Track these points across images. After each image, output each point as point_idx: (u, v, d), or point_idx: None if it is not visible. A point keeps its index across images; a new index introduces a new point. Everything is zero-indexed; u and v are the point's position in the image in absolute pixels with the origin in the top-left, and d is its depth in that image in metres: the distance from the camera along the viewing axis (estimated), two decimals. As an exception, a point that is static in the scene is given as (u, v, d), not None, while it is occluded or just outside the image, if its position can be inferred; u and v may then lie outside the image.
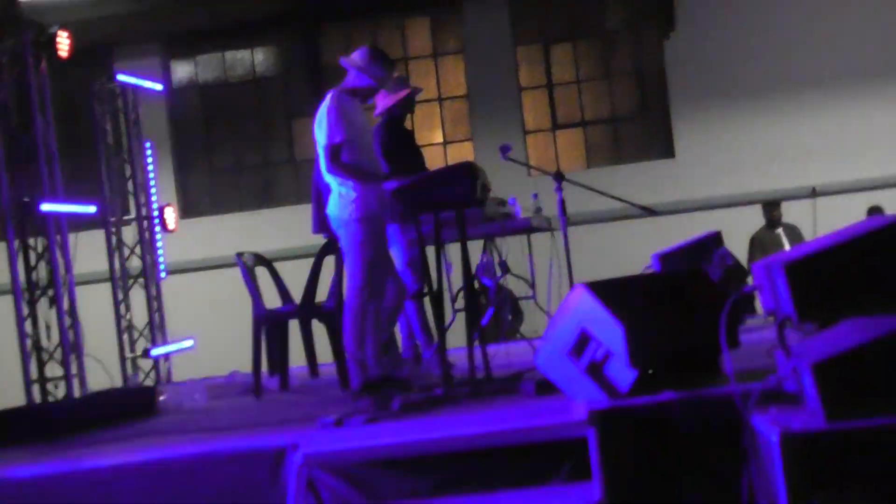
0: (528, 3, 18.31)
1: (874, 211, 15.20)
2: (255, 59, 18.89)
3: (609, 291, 6.35)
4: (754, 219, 15.22)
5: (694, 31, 17.58)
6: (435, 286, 7.85)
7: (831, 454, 4.89)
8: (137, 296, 13.36)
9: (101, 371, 11.64)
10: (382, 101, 9.71)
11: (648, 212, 9.49)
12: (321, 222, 8.62)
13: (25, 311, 10.97)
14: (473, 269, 8.56)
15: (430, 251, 8.06)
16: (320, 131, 7.86)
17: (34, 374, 10.95)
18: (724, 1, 17.63)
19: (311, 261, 9.63)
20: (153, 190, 13.55)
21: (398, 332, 9.56)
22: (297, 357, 10.11)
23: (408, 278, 9.30)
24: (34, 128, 10.99)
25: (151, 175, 13.58)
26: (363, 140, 8.02)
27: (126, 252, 13.35)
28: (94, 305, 12.62)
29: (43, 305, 11.15)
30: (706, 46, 17.60)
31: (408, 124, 10.27)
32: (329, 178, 7.92)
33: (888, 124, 17.23)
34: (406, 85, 9.88)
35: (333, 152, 7.77)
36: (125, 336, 13.01)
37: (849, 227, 5.79)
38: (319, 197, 8.91)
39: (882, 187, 16.60)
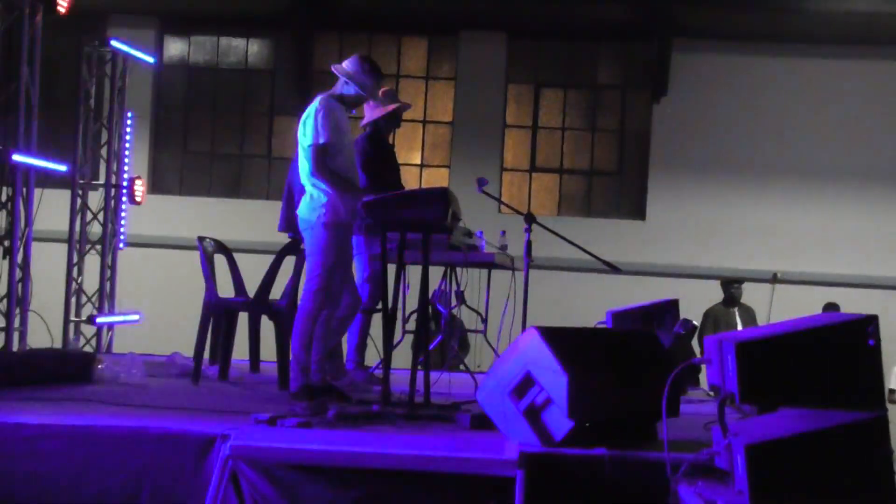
0: (526, 43, 18.39)
1: (830, 308, 15.30)
2: (248, 49, 18.87)
3: (561, 339, 6.38)
4: (711, 293, 15.31)
5: (684, 99, 17.71)
6: (390, 304, 7.86)
7: (751, 536, 4.94)
8: (92, 262, 13.30)
9: (44, 330, 11.59)
10: (370, 113, 9.73)
11: (611, 268, 9.53)
12: (289, 221, 8.64)
13: (-22, 256, 10.94)
14: (430, 294, 8.57)
15: (391, 270, 8.07)
16: (305, 132, 7.87)
17: (-25, 320, 10.92)
18: (717, 77, 17.78)
19: (271, 257, 9.64)
20: (127, 160, 13.50)
21: (345, 342, 9.56)
22: (241, 350, 10.09)
23: (364, 292, 9.33)
24: (19, 78, 10.95)
25: (128, 145, 13.54)
26: (346, 147, 8.04)
27: (89, 217, 13.29)
28: (48, 265, 12.58)
29: (-3, 254, 11.11)
30: (693, 117, 17.74)
31: (389, 140, 10.29)
32: (305, 180, 7.93)
33: (855, 224, 17.40)
34: (396, 100, 9.91)
35: (319, 153, 7.79)
36: (73, 299, 12.94)
37: (804, 318, 5.85)
38: (291, 196, 8.93)
39: (841, 285, 16.75)
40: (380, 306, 8.13)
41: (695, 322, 9.76)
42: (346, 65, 8.14)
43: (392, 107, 9.75)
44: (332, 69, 8.16)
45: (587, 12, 17.75)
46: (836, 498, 4.96)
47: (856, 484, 4.99)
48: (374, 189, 8.73)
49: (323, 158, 7.80)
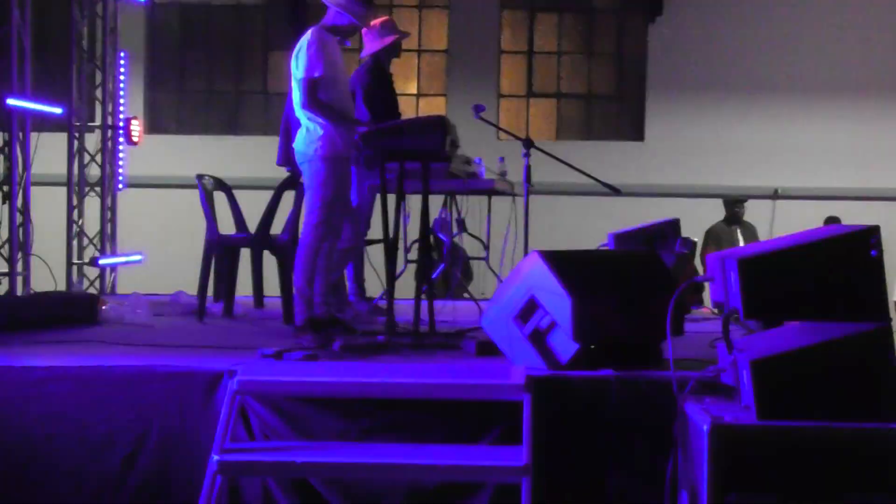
0: (519, -33, 18.30)
1: (831, 221, 15.30)
2: (240, -16, 18.78)
3: (563, 262, 6.39)
4: (712, 211, 15.30)
5: (679, 19, 17.62)
6: (391, 235, 7.86)
7: (759, 450, 4.96)
8: (92, 204, 13.29)
9: (47, 274, 11.59)
10: (369, 45, 9.69)
11: (612, 190, 9.51)
12: (286, 155, 8.62)
13: (-23, 203, 10.93)
14: (431, 223, 8.57)
15: (391, 200, 8.06)
16: (297, 65, 7.83)
17: (-22, 267, 10.93)
18: (713, -5, 17.70)
19: (270, 193, 9.63)
20: (122, 101, 13.46)
21: (346, 275, 9.57)
22: (244, 286, 10.10)
23: (363, 223, 9.33)
24: (10, 22, 10.88)
25: (122, 86, 13.49)
26: (339, 79, 8.00)
27: (86, 159, 13.26)
28: (48, 208, 12.54)
29: (-4, 200, 11.10)
30: (689, 37, 17.66)
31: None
32: (300, 113, 7.90)
33: (854, 138, 17.37)
34: (395, 30, 9.85)
35: (311, 86, 7.75)
36: (75, 242, 12.94)
37: (806, 232, 5.84)
38: (288, 130, 8.90)
39: (842, 198, 16.74)
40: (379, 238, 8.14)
41: (694, 239, 9.76)
42: (337, -6, 8.08)
43: (391, 38, 9.71)
44: (324, 0, 8.10)
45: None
46: (841, 409, 4.98)
47: (861, 394, 5.01)
48: (379, 120, 8.68)
49: (315, 91, 7.76)
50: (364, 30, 9.18)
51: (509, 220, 9.39)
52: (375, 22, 9.64)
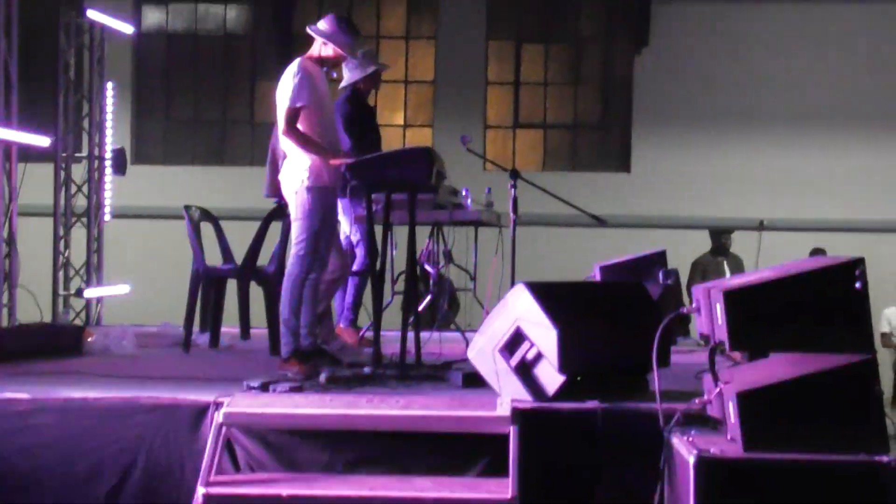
0: (506, -1, 18.37)
1: (817, 253, 15.32)
2: (227, 15, 18.80)
3: (549, 294, 6.39)
4: (699, 243, 15.32)
5: (665, 50, 17.70)
6: (378, 266, 7.87)
7: (745, 482, 4.96)
8: (78, 235, 13.26)
9: (33, 305, 11.55)
10: (348, 75, 9.71)
11: (598, 221, 9.52)
12: (273, 186, 8.61)
13: (-36, 234, 10.91)
14: (418, 254, 8.58)
15: (378, 231, 8.07)
16: (282, 94, 7.85)
17: (-36, 297, 10.90)
18: (698, 25, 17.75)
19: (257, 224, 9.63)
20: (109, 131, 13.45)
21: (334, 306, 9.57)
22: (230, 317, 10.09)
23: (359, 254, 9.35)
24: (-3, 51, 10.90)
25: (109, 116, 13.49)
26: (325, 110, 8.01)
27: (73, 189, 13.25)
28: (34, 239, 12.50)
29: (-18, 231, 11.08)
30: (675, 67, 17.73)
31: (371, 101, 10.27)
32: (285, 144, 7.91)
33: (840, 169, 17.45)
34: (374, 61, 9.88)
35: (292, 115, 7.75)
36: (61, 273, 12.91)
37: (791, 264, 5.86)
38: (275, 161, 8.90)
39: (828, 229, 16.77)
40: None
41: (675, 269, 9.77)
42: (323, 25, 8.09)
43: (370, 69, 9.73)
44: (309, 30, 8.11)
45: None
46: (827, 441, 4.99)
47: (847, 426, 5.02)
48: (358, 151, 8.71)
49: (295, 120, 7.76)
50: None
51: (496, 252, 9.38)
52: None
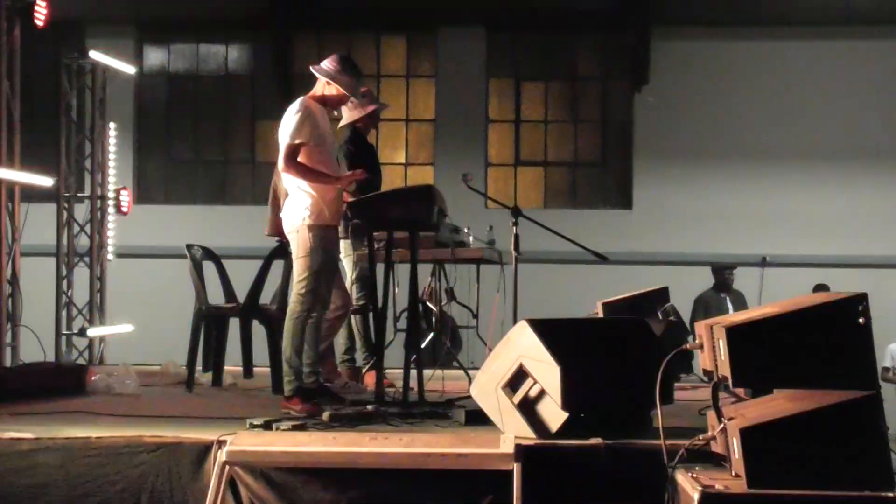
0: (505, 37, 18.40)
1: (820, 289, 15.31)
2: (227, 55, 18.86)
3: (552, 331, 6.40)
4: (701, 279, 15.32)
5: (665, 87, 17.73)
6: (381, 304, 7.88)
7: (749, 518, 4.95)
8: (81, 274, 13.30)
9: (36, 344, 11.56)
10: (347, 114, 9.74)
11: (600, 258, 9.53)
12: (276, 225, 8.63)
13: (-34, 274, 10.93)
14: (420, 292, 8.58)
15: (380, 269, 8.09)
16: (283, 132, 7.87)
17: (-33, 338, 10.91)
18: (697, 63, 17.80)
19: (259, 262, 9.64)
20: (111, 171, 13.50)
21: (337, 343, 9.57)
22: (233, 356, 10.09)
23: (354, 293, 9.35)
24: (-1, 93, 10.95)
25: (112, 156, 13.53)
26: (327, 148, 8.03)
27: (76, 229, 13.28)
28: (37, 279, 12.54)
29: (-15, 271, 11.10)
30: (675, 104, 17.77)
31: (372, 139, 10.29)
32: (288, 182, 7.93)
33: (842, 205, 17.45)
34: (373, 100, 9.90)
35: (291, 150, 7.77)
36: (63, 312, 12.93)
37: (794, 299, 5.86)
38: (276, 200, 8.93)
39: (831, 265, 16.76)
40: (370, 305, 8.15)
41: (673, 305, 9.77)
42: (326, 64, 8.12)
43: (370, 108, 9.75)
44: (312, 70, 8.15)
45: (565, 4, 17.77)
46: (832, 477, 4.98)
47: (851, 462, 5.01)
48: (360, 190, 8.73)
49: (294, 155, 7.79)
50: None
51: (498, 289, 9.39)
52: None
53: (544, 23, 18.08)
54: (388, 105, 10.46)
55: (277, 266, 9.52)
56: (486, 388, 6.56)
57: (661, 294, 10.04)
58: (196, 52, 18.86)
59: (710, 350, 5.61)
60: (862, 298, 5.39)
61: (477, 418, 6.90)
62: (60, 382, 9.14)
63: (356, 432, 6.80)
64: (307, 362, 7.85)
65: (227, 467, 6.11)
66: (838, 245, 17.24)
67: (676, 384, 7.70)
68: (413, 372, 7.95)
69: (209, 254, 10.14)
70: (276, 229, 8.64)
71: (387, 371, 8.13)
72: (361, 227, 8.00)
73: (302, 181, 7.81)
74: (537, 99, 18.50)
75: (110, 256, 13.54)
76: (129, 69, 14.03)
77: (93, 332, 13.01)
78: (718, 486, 5.02)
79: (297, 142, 7.79)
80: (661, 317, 9.42)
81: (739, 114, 17.69)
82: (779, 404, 5.29)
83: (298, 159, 7.80)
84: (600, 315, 9.58)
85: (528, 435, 6.29)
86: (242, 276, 9.87)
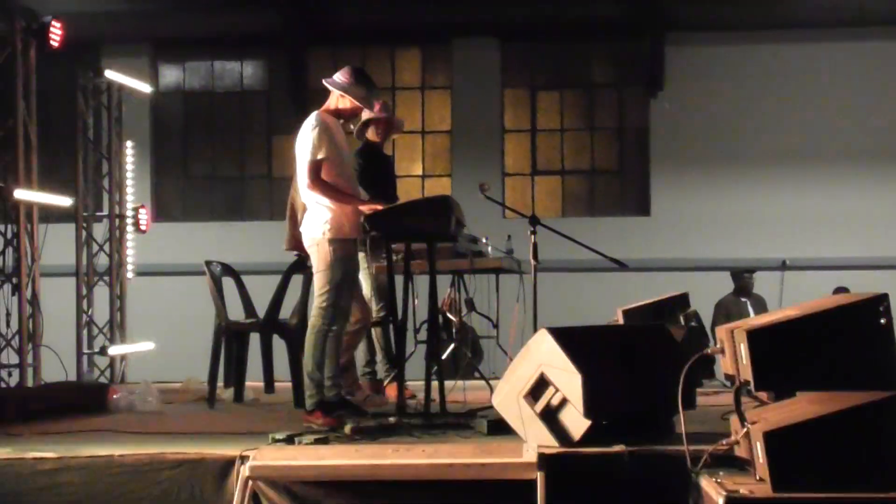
0: (520, 46, 18.42)
1: (840, 291, 15.27)
2: (243, 71, 18.91)
3: (572, 339, 6.38)
4: (721, 284, 15.28)
5: (681, 93, 17.72)
6: (400, 316, 7.87)
7: (775, 522, 4.93)
8: (101, 293, 13.32)
9: (57, 364, 11.59)
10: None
11: (619, 265, 9.51)
12: (294, 240, 8.63)
13: (-12, 295, 10.97)
14: (439, 303, 8.58)
15: (398, 280, 8.09)
16: (301, 148, 7.87)
17: (-11, 359, 10.95)
18: (712, 68, 17.79)
19: (278, 277, 9.65)
20: (129, 189, 13.53)
21: (358, 356, 9.57)
22: (254, 371, 10.10)
23: (373, 305, 9.35)
24: (16, 114, 10.97)
25: (129, 174, 13.57)
26: (344, 161, 8.03)
27: (95, 248, 13.31)
28: (57, 298, 12.57)
29: (6, 292, 11.13)
30: (691, 110, 17.76)
31: (388, 151, 10.29)
32: (306, 197, 7.93)
33: (861, 207, 17.41)
34: (384, 110, 9.85)
35: (315, 167, 7.78)
36: (84, 331, 12.96)
37: (814, 302, 5.84)
38: (294, 215, 8.93)
39: (851, 267, 16.72)
40: (390, 317, 8.15)
41: (696, 310, 9.76)
42: (338, 77, 8.12)
43: (377, 107, 9.66)
44: (325, 83, 8.15)
45: (579, 12, 17.76)
46: (857, 479, 4.95)
47: (877, 463, 4.99)
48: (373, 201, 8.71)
49: (319, 172, 7.79)
50: None
51: (518, 298, 9.37)
52: None
53: (558, 32, 18.09)
54: (401, 120, 10.47)
55: (296, 280, 9.53)
56: (508, 398, 6.55)
57: (682, 300, 10.04)
58: (211, 69, 18.92)
59: (732, 354, 5.60)
60: (883, 299, 5.38)
61: (499, 428, 6.89)
62: (82, 401, 9.16)
63: (378, 444, 6.79)
64: (328, 376, 7.85)
65: (251, 482, 6.11)
66: (858, 246, 17.19)
67: (698, 389, 7.68)
68: (434, 383, 7.94)
69: (228, 270, 10.16)
70: (295, 244, 8.64)
71: (408, 383, 8.11)
72: (379, 239, 7.99)
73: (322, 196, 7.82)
74: (553, 108, 18.50)
75: (130, 274, 13.57)
76: (145, 87, 14.06)
77: (114, 350, 13.04)
78: (743, 491, 5.00)
79: (318, 157, 7.79)
80: (682, 322, 9.41)
81: (755, 117, 17.67)
82: (802, 407, 5.27)
83: (321, 175, 7.81)
84: (620, 322, 9.57)
85: (550, 443, 6.27)
86: (261, 291, 9.88)
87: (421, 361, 8.18)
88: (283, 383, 9.78)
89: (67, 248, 12.75)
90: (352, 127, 8.73)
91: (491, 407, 6.97)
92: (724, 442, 5.63)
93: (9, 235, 11.16)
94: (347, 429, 7.23)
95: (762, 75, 17.69)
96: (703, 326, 10.71)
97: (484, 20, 17.99)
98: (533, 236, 8.92)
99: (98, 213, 13.46)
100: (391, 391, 9.18)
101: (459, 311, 10.28)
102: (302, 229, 8.00)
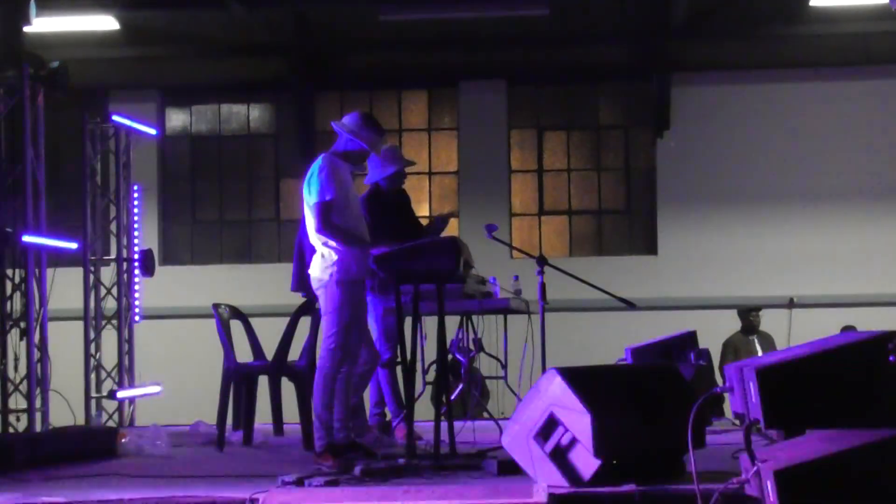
0: (526, 87, 18.46)
1: (848, 330, 15.29)
2: (250, 115, 18.95)
3: (581, 378, 6.39)
4: (729, 322, 15.29)
5: (687, 132, 17.74)
6: (409, 357, 7.88)
7: (786, 561, 4.92)
8: (109, 337, 13.32)
9: (66, 408, 11.59)
10: (372, 173, 9.76)
11: (627, 304, 9.52)
12: (301, 281, 8.65)
13: (-4, 340, 10.97)
14: (448, 344, 8.58)
15: (407, 322, 8.10)
16: (310, 190, 7.89)
17: (-3, 404, 10.94)
18: (718, 108, 17.81)
19: (286, 320, 9.66)
20: (136, 233, 13.55)
21: (367, 398, 9.57)
22: (263, 413, 10.10)
23: (381, 346, 9.36)
24: (24, 160, 11.00)
25: (137, 218, 13.59)
26: (352, 203, 8.06)
27: (102, 292, 13.32)
28: (65, 342, 12.57)
29: (14, 337, 11.13)
30: (698, 149, 17.77)
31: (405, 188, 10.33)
32: (314, 238, 7.95)
33: (868, 245, 17.39)
34: (395, 161, 9.88)
35: (325, 210, 7.79)
36: (92, 376, 12.95)
37: (822, 339, 5.85)
38: (302, 256, 8.95)
39: (858, 305, 16.70)
40: (399, 359, 8.16)
41: (708, 349, 9.76)
42: (347, 121, 8.15)
43: (390, 170, 9.74)
44: (333, 126, 8.18)
45: (585, 54, 17.87)
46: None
47: (887, 501, 4.98)
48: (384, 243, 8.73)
49: (329, 215, 7.81)
50: None
51: (526, 339, 9.38)
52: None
53: (565, 73, 18.15)
54: (414, 162, 10.51)
55: (305, 322, 9.54)
56: (518, 438, 6.54)
57: (690, 338, 10.03)
58: (218, 113, 18.96)
59: (741, 392, 5.60)
60: (891, 336, 5.37)
61: (509, 468, 6.89)
62: (91, 445, 9.16)
63: (388, 486, 6.78)
64: (338, 417, 7.85)
65: (260, 525, 6.10)
66: (865, 284, 17.17)
67: (708, 428, 7.67)
68: (444, 424, 7.94)
69: (236, 312, 10.17)
70: (302, 285, 8.66)
71: (417, 424, 8.11)
72: (387, 280, 8.01)
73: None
74: (559, 148, 18.53)
75: (137, 318, 13.57)
76: (152, 132, 14.10)
77: (122, 394, 13.02)
78: (754, 530, 5.00)
79: (327, 199, 7.81)
80: (695, 359, 9.41)
81: (762, 156, 17.68)
82: (812, 445, 5.26)
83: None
84: (629, 361, 9.57)
85: (561, 484, 6.27)
86: (269, 333, 9.90)
87: (430, 403, 8.18)
88: (293, 425, 9.78)
89: (75, 293, 12.75)
90: (360, 170, 8.75)
91: (500, 447, 6.97)
92: (734, 480, 5.62)
93: (17, 280, 11.16)
94: (357, 471, 7.23)
95: (768, 115, 17.72)
96: (712, 365, 10.70)
97: (490, 62, 18.07)
98: (541, 276, 8.93)
99: (106, 258, 13.48)
100: (400, 433, 9.18)
101: (468, 352, 10.28)
102: (310, 271, 8.02)
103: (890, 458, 5.03)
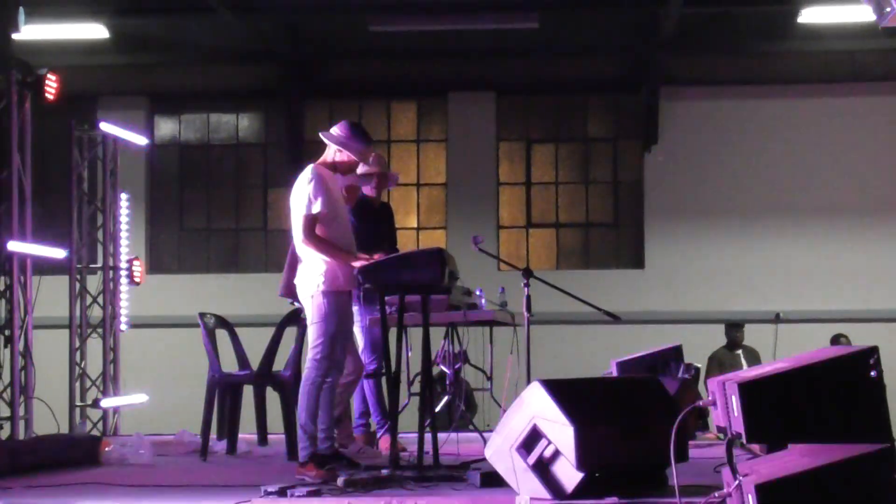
0: (515, 100, 18.48)
1: (838, 338, 15.36)
2: (238, 124, 18.94)
3: (565, 391, 6.39)
4: (715, 337, 15.32)
5: (675, 147, 17.76)
6: (394, 368, 7.87)
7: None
8: (94, 345, 13.30)
9: (49, 416, 11.55)
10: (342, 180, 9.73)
11: (613, 318, 9.53)
12: (289, 286, 8.64)
13: (-21, 347, 10.95)
14: (433, 356, 8.58)
15: (392, 333, 8.10)
16: (297, 201, 7.90)
17: (-20, 411, 10.91)
18: (706, 122, 17.85)
19: (272, 329, 9.66)
20: (123, 241, 13.52)
21: (352, 408, 9.56)
22: (248, 423, 10.08)
23: (367, 357, 9.36)
24: (11, 166, 10.99)
25: (124, 226, 13.56)
26: (340, 214, 8.06)
27: (88, 300, 13.30)
28: (50, 350, 12.54)
29: (-2, 344, 11.12)
30: (685, 164, 17.80)
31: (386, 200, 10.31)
32: (300, 249, 7.96)
33: (854, 260, 17.42)
34: (378, 162, 9.85)
35: (310, 222, 7.81)
36: (77, 384, 12.93)
37: (806, 354, 5.85)
38: (294, 263, 8.93)
39: (844, 320, 16.70)
40: (384, 370, 8.15)
41: (697, 365, 9.77)
42: (336, 131, 8.16)
43: (368, 169, 9.64)
44: (322, 136, 8.18)
45: (573, 68, 17.91)
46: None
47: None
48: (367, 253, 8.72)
49: (314, 227, 7.81)
50: None
51: (511, 350, 9.39)
52: None
53: (553, 86, 18.19)
54: (397, 174, 10.51)
55: (290, 332, 9.54)
56: (501, 450, 6.54)
57: (675, 352, 10.05)
58: (207, 122, 18.95)
59: (724, 406, 5.60)
60: (873, 351, 5.38)
61: (492, 480, 6.89)
62: (74, 454, 9.15)
63: (372, 497, 6.78)
64: (322, 428, 7.85)
65: (242, 535, 6.10)
66: (851, 299, 17.20)
67: (692, 442, 7.68)
68: (428, 435, 7.93)
69: (222, 322, 10.17)
70: (289, 291, 8.64)
71: (401, 436, 8.10)
72: (372, 291, 8.00)
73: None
74: (548, 161, 18.55)
75: (123, 327, 13.54)
76: (141, 140, 14.08)
77: (106, 402, 12.99)
78: (735, 544, 5.00)
79: (313, 212, 7.82)
80: (684, 372, 9.42)
81: (749, 171, 17.72)
82: (794, 459, 5.27)
83: (316, 230, 7.83)
84: (614, 374, 9.58)
85: (543, 496, 6.27)
86: (255, 343, 9.89)
87: (414, 414, 8.18)
88: (277, 435, 9.77)
89: (61, 300, 12.73)
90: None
91: (484, 459, 6.97)
92: (716, 494, 5.63)
93: (1, 287, 11.14)
94: (340, 481, 7.21)
95: (756, 129, 17.76)
96: (697, 378, 10.72)
97: (479, 74, 18.10)
98: (526, 289, 8.93)
99: (92, 266, 13.45)
100: (384, 444, 9.17)
101: (453, 364, 10.27)
102: (297, 281, 8.02)
103: (871, 473, 5.05)
